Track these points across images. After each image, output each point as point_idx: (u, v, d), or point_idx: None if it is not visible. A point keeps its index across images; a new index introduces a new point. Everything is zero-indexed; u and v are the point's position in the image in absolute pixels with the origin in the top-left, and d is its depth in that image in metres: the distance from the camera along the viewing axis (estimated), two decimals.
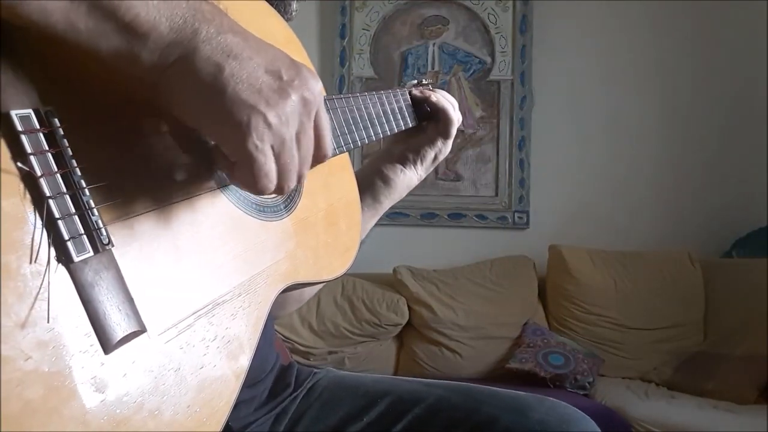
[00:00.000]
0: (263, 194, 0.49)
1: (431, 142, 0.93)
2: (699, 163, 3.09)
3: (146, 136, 0.50)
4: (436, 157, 0.95)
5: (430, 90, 0.96)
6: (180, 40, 0.43)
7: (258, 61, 0.46)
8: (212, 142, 0.50)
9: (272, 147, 0.46)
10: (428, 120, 0.94)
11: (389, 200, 0.92)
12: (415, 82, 0.98)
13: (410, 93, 0.93)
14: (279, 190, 0.49)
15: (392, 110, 0.87)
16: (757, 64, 3.03)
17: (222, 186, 0.56)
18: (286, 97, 0.46)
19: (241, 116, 0.44)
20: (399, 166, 0.93)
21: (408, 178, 0.93)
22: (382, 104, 0.86)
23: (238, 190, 0.58)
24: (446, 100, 0.93)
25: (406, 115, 0.90)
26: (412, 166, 0.94)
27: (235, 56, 0.45)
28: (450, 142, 0.95)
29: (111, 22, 0.41)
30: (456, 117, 0.93)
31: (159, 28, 0.42)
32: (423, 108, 0.93)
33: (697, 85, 3.09)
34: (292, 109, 0.47)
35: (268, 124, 0.45)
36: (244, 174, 0.47)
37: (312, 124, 0.50)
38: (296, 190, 0.68)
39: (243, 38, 0.46)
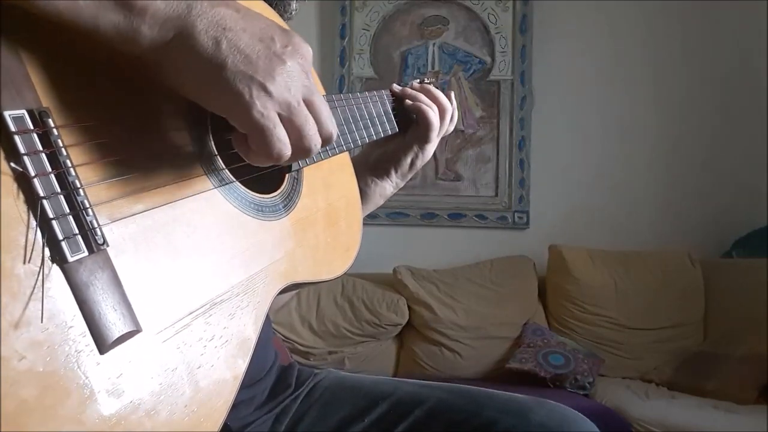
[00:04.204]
0: (282, 160, 0.50)
1: (407, 147, 0.89)
2: (699, 163, 3.09)
3: (143, 137, 0.49)
4: (413, 164, 0.90)
5: (421, 85, 0.92)
6: (176, 15, 0.44)
7: (251, 31, 0.47)
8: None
9: (279, 114, 0.48)
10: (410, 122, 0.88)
11: (363, 210, 0.88)
12: (418, 81, 0.95)
13: (392, 91, 0.88)
14: (306, 152, 0.51)
15: (388, 111, 0.86)
16: (757, 64, 3.03)
17: (220, 185, 0.56)
18: (282, 64, 0.48)
19: (242, 87, 0.46)
20: (371, 178, 0.90)
21: (381, 188, 0.90)
22: (383, 104, 0.85)
23: (237, 189, 0.58)
24: (425, 102, 0.87)
25: (392, 117, 0.87)
26: (386, 176, 0.90)
27: (230, 28, 0.46)
28: (429, 147, 0.89)
29: None
30: (435, 121, 0.87)
31: (155, 2, 0.43)
32: (405, 108, 0.88)
33: (697, 85, 3.09)
34: (290, 74, 0.48)
35: (269, 92, 0.47)
36: (258, 143, 0.48)
37: (312, 85, 0.51)
38: (296, 190, 0.68)
39: (235, 9, 0.47)
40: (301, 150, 0.50)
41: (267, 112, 0.47)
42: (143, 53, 0.45)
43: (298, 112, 0.49)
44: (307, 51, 0.51)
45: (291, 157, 0.50)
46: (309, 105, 0.50)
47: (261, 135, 0.48)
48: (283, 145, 0.49)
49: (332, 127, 0.53)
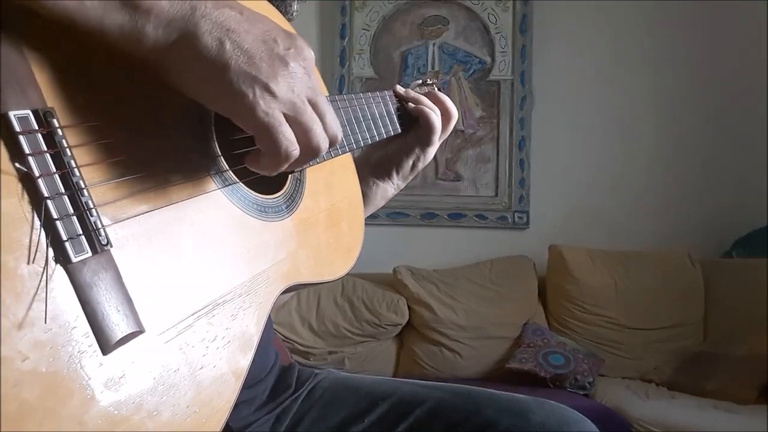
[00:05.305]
0: (290, 159, 0.50)
1: (409, 149, 0.89)
2: (699, 163, 3.09)
3: (147, 137, 0.49)
4: (414, 165, 0.90)
5: (426, 89, 0.93)
6: (180, 16, 0.45)
7: (255, 33, 0.48)
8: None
9: (285, 114, 0.48)
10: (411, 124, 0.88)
11: (365, 212, 0.87)
12: (420, 82, 0.95)
13: (395, 93, 0.88)
14: (315, 151, 0.51)
15: (391, 112, 0.86)
16: (757, 64, 3.03)
17: (224, 186, 0.56)
18: (285, 66, 0.48)
19: (246, 88, 0.46)
20: (372, 179, 0.89)
21: (383, 189, 0.90)
22: (386, 104, 0.85)
23: (240, 190, 0.58)
24: (428, 105, 0.87)
25: (394, 118, 0.87)
26: (387, 178, 0.90)
27: (234, 30, 0.46)
28: (431, 150, 0.89)
29: None
30: (438, 124, 0.87)
31: (160, 3, 0.44)
32: (407, 111, 0.88)
33: (697, 85, 3.09)
34: (293, 75, 0.49)
35: (272, 92, 0.47)
36: (265, 143, 0.49)
37: (316, 86, 0.51)
38: (298, 191, 0.68)
39: (239, 11, 0.48)
40: (310, 149, 0.51)
41: (271, 111, 0.47)
42: (147, 54, 0.45)
43: (304, 111, 0.49)
44: (310, 54, 0.51)
45: (301, 157, 0.51)
46: (313, 106, 0.51)
47: (267, 133, 0.48)
48: (290, 142, 0.49)
49: (337, 128, 0.53)
